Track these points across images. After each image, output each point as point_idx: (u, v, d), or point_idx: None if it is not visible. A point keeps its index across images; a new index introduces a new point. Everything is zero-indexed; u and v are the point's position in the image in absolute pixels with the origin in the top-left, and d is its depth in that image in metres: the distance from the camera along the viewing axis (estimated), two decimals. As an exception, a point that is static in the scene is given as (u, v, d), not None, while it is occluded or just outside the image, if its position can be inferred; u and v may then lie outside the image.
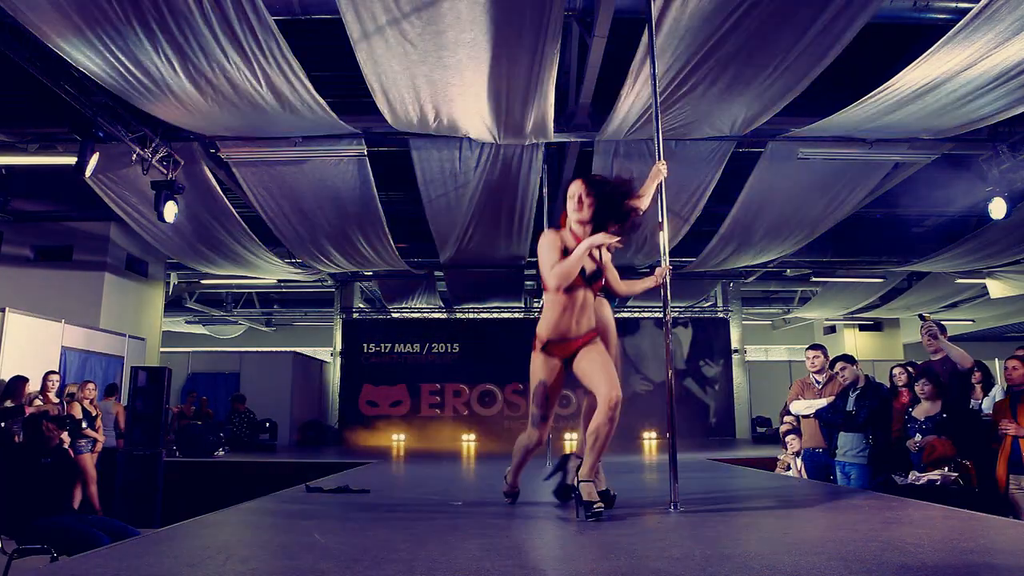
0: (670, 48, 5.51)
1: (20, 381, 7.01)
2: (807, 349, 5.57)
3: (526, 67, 5.82)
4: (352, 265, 11.24)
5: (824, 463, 5.34)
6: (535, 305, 15.40)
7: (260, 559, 2.23)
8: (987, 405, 5.33)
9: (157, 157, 7.61)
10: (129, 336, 10.48)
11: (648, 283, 3.52)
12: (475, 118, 6.79)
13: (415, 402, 13.31)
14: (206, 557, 2.20)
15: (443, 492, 4.46)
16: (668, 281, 3.50)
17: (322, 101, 6.37)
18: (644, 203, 3.52)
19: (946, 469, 4.53)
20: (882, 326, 17.30)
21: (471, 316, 15.18)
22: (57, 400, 7.25)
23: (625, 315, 15.03)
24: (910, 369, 5.62)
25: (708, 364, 13.95)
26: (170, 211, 7.81)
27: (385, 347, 13.73)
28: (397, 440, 12.57)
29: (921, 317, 5.47)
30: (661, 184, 3.58)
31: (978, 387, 5.53)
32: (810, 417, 5.40)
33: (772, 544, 2.47)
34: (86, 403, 7.38)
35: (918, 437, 4.80)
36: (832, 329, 18.44)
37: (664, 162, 3.57)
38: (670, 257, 3.61)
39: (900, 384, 5.59)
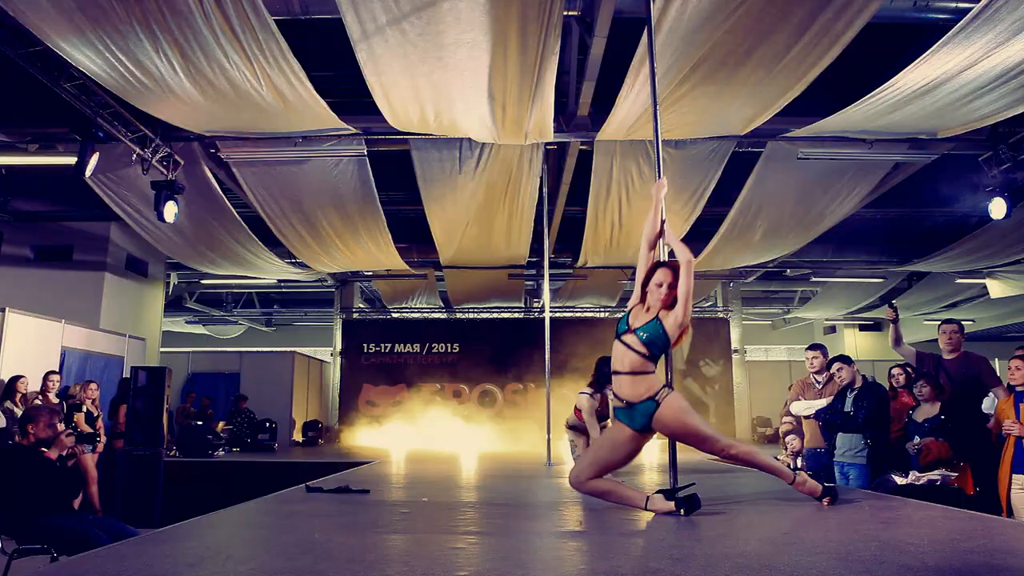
0: (670, 48, 5.50)
1: (18, 381, 7.00)
2: (807, 349, 5.57)
3: (526, 67, 5.81)
4: (352, 265, 11.24)
5: (825, 463, 5.34)
6: (535, 305, 15.40)
7: (260, 559, 2.23)
8: (987, 405, 5.32)
9: (157, 157, 7.62)
10: (129, 336, 10.48)
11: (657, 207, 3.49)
12: (475, 118, 6.78)
13: (415, 402, 13.31)
14: (206, 557, 2.20)
15: (442, 492, 4.46)
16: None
17: (322, 101, 6.37)
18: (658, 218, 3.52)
19: (944, 470, 4.53)
20: (882, 326, 17.30)
21: (471, 316, 15.17)
22: (57, 400, 7.25)
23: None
24: (908, 370, 5.61)
25: (708, 364, 13.95)
26: (170, 211, 7.81)
27: (385, 347, 13.73)
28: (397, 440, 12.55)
29: (889, 305, 5.44)
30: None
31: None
32: (810, 418, 5.41)
33: (772, 544, 2.47)
34: (88, 403, 7.38)
35: (917, 439, 4.80)
36: (832, 329, 18.44)
37: (664, 178, 3.60)
38: (669, 258, 3.61)
39: (899, 385, 5.59)
